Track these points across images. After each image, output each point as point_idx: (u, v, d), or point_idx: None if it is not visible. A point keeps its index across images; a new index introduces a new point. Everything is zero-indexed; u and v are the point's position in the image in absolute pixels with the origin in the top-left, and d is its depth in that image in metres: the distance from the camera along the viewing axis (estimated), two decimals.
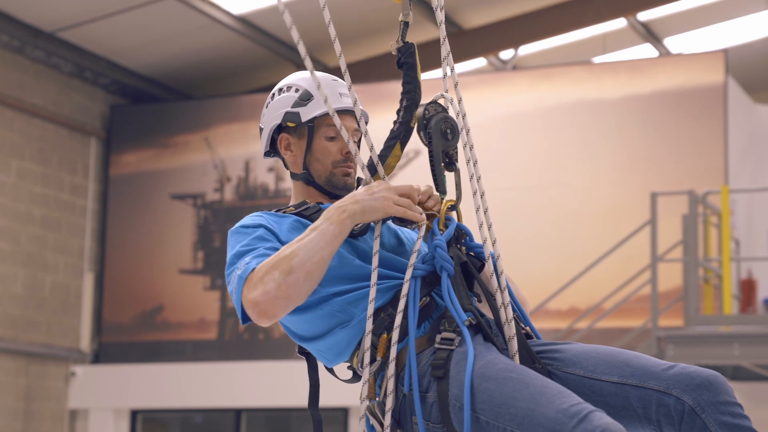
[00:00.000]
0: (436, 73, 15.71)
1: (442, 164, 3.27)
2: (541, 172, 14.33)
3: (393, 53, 3.37)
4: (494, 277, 3.19)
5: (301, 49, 3.33)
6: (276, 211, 3.37)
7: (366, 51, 15.85)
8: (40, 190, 15.10)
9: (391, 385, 3.04)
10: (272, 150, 3.50)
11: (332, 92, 3.42)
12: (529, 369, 2.95)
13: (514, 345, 3.08)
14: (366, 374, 3.10)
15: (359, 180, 3.45)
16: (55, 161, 15.37)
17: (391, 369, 3.05)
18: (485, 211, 3.26)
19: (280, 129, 3.45)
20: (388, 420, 3.03)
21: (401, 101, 3.36)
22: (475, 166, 3.29)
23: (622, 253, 11.92)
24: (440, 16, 3.33)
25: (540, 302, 11.96)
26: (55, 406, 15.32)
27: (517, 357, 3.06)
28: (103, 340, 15.77)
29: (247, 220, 3.29)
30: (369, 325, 3.10)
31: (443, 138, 3.26)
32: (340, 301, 3.17)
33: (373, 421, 3.07)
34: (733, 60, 14.56)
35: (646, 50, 16.21)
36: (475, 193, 3.25)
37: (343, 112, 3.43)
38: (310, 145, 3.41)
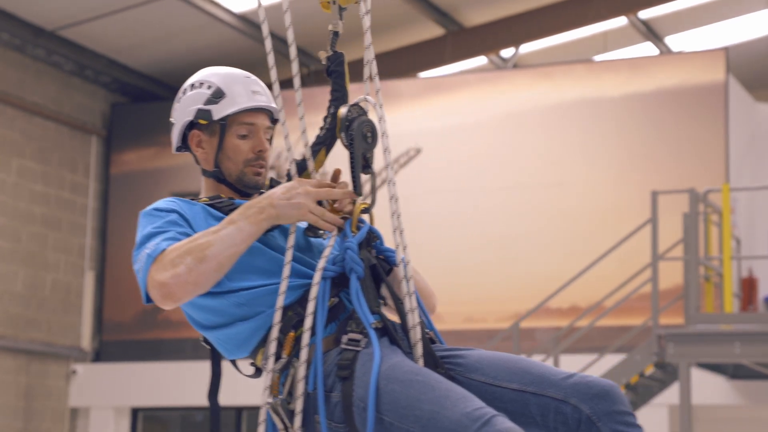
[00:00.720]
0: (431, 73, 15.66)
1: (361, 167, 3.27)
2: (542, 170, 14.32)
3: (322, 62, 3.38)
4: (404, 282, 3.21)
5: (292, 51, 3.35)
6: (189, 199, 3.37)
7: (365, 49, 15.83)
8: (40, 188, 15.10)
9: (300, 387, 3.07)
10: (183, 146, 3.48)
11: (245, 90, 3.42)
12: (434, 373, 2.99)
13: (419, 349, 3.12)
14: (270, 366, 3.11)
15: (272, 180, 3.46)
16: (55, 160, 15.37)
17: (302, 372, 3.08)
18: (398, 217, 3.30)
19: (191, 125, 3.43)
20: (298, 423, 3.06)
21: (329, 108, 3.38)
22: (391, 170, 3.32)
23: (622, 251, 11.92)
24: (367, 21, 3.34)
25: (540, 301, 11.96)
26: (55, 404, 15.32)
27: (421, 361, 3.10)
28: (104, 338, 15.77)
29: (161, 203, 3.30)
30: (277, 317, 3.13)
31: (364, 141, 3.28)
32: (247, 294, 3.18)
33: (275, 418, 3.09)
34: (734, 58, 14.56)
35: (647, 48, 16.21)
36: (391, 198, 3.27)
37: (256, 111, 3.43)
38: (221, 143, 3.39)
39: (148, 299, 3.14)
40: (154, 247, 3.13)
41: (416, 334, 3.14)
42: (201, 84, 3.45)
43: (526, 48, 16.07)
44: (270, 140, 3.48)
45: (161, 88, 16.16)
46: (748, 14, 15.57)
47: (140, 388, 15.25)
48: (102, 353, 15.76)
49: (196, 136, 3.43)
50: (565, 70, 14.64)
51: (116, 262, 15.70)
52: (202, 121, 3.39)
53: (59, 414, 15.35)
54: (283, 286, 3.14)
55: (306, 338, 3.07)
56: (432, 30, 15.60)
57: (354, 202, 3.26)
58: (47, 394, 15.19)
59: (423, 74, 15.98)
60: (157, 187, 15.70)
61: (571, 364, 11.86)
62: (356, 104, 3.31)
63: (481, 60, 16.23)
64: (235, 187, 3.41)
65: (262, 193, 3.42)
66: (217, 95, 3.39)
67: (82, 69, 15.47)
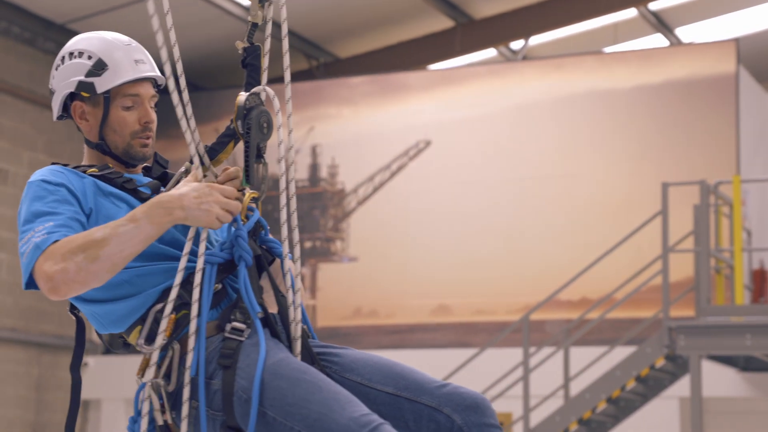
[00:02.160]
0: (441, 65, 15.67)
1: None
2: (552, 162, 14.30)
3: (239, 52, 3.35)
4: (288, 277, 3.19)
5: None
6: (74, 168, 3.28)
7: (375, 42, 15.83)
8: None
9: (187, 376, 3.03)
10: (65, 114, 3.39)
11: (128, 59, 3.33)
12: (321, 373, 2.99)
13: (299, 345, 3.13)
14: (158, 343, 3.07)
15: (157, 155, 3.40)
16: (66, 152, 15.39)
17: (189, 359, 3.03)
18: (291, 213, 3.22)
19: (72, 96, 3.34)
20: (185, 412, 3.03)
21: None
22: (284, 164, 3.23)
23: (633, 243, 11.90)
24: (284, 13, 3.31)
25: (551, 293, 11.95)
26: (67, 395, 15.35)
27: (299, 357, 3.11)
28: None
29: (49, 175, 3.18)
30: (174, 293, 3.06)
31: (260, 131, 3.21)
32: (131, 272, 3.11)
33: (153, 397, 3.06)
34: (745, 49, 14.52)
35: (658, 40, 16.17)
36: (283, 191, 3.21)
37: (141, 81, 3.34)
38: (106, 116, 3.30)
39: (28, 285, 3.05)
40: (45, 236, 3.01)
41: (297, 330, 3.13)
42: (81, 53, 3.33)
43: (536, 40, 16.05)
44: (155, 109, 3.39)
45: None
46: (758, 5, 15.53)
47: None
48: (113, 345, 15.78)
49: (79, 107, 3.34)
50: (576, 62, 14.61)
51: None
52: (84, 94, 3.30)
53: None
54: (183, 262, 3.08)
55: (193, 326, 3.03)
56: (442, 22, 15.58)
57: (244, 192, 3.19)
58: (58, 386, 15.23)
59: (433, 66, 15.96)
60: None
61: (581, 356, 11.86)
62: (255, 94, 3.24)
63: (490, 52, 16.21)
64: (121, 159, 3.32)
65: (149, 167, 3.37)
66: (99, 67, 3.29)
67: None
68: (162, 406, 3.06)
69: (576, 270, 12.02)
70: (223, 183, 3.17)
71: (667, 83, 14.03)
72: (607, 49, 15.98)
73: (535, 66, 15.09)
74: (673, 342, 10.44)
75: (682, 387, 11.76)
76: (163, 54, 3.14)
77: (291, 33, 15.10)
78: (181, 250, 3.14)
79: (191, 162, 3.24)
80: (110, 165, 3.31)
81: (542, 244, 14.18)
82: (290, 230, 3.20)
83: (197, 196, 3.06)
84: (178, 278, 3.07)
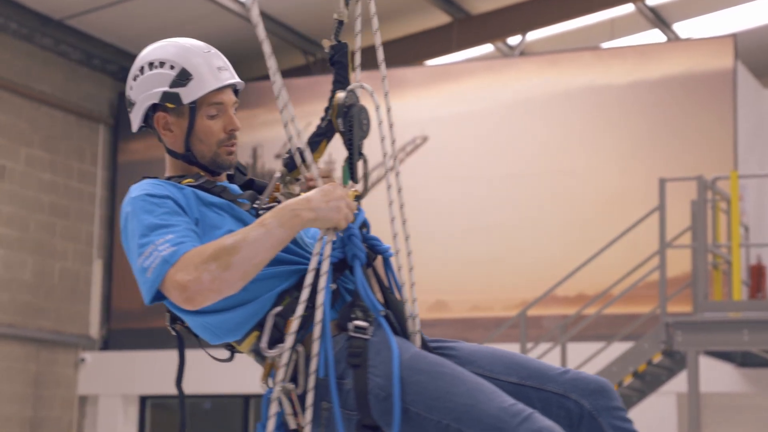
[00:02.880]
0: (438, 60, 15.64)
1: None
2: (549, 158, 14.30)
3: (326, 51, 3.28)
4: (401, 272, 3.25)
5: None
6: (168, 180, 3.26)
7: (371, 37, 15.81)
8: (48, 177, 15.12)
9: (312, 379, 3.01)
10: (144, 125, 3.36)
11: (210, 67, 3.29)
12: (457, 365, 2.98)
13: (417, 340, 3.14)
14: (288, 344, 3.04)
15: (239, 164, 3.39)
16: (63, 148, 15.38)
17: (314, 363, 3.01)
18: (401, 207, 3.28)
19: (155, 107, 3.29)
20: (308, 417, 3.01)
21: (331, 99, 3.27)
22: (394, 159, 3.26)
23: (630, 239, 11.90)
24: (373, 7, 3.29)
25: (548, 289, 11.96)
26: (64, 392, 15.35)
27: None
28: (112, 326, 15.79)
29: (150, 188, 3.15)
30: (304, 294, 3.04)
31: (360, 128, 3.20)
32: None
33: (285, 402, 3.03)
34: (742, 45, 14.51)
35: (655, 35, 16.17)
36: (390, 187, 3.25)
37: (223, 88, 3.32)
38: (192, 126, 3.27)
39: (153, 299, 3.03)
40: (171, 249, 2.99)
41: (415, 325, 3.15)
42: (162, 63, 3.30)
43: (533, 35, 16.04)
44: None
45: None
46: (756, 0, 15.53)
47: (148, 376, 15.28)
48: (110, 341, 15.78)
49: (162, 119, 3.30)
50: (573, 58, 14.61)
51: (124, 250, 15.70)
52: (169, 105, 3.26)
53: (68, 402, 15.39)
54: (313, 262, 3.06)
55: (317, 331, 3.00)
56: (439, 18, 15.58)
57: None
58: (56, 382, 15.23)
59: (430, 62, 15.95)
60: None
61: (578, 352, 11.86)
62: (352, 90, 3.23)
63: (487, 48, 16.20)
64: (208, 168, 3.31)
65: (231, 174, 3.36)
66: (184, 77, 3.25)
67: (89, 58, 15.47)
68: (293, 409, 3.03)
69: (573, 265, 12.02)
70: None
71: (664, 79, 14.02)
72: (604, 45, 15.97)
73: (532, 62, 15.09)
74: (671, 338, 10.44)
75: (679, 383, 11.77)
76: (266, 48, 3.17)
77: (287, 28, 15.09)
78: (291, 252, 3.14)
79: (284, 165, 3.26)
80: (200, 174, 3.30)
81: (539, 240, 14.18)
82: (403, 225, 3.23)
83: (323, 195, 3.06)
84: (309, 278, 3.05)
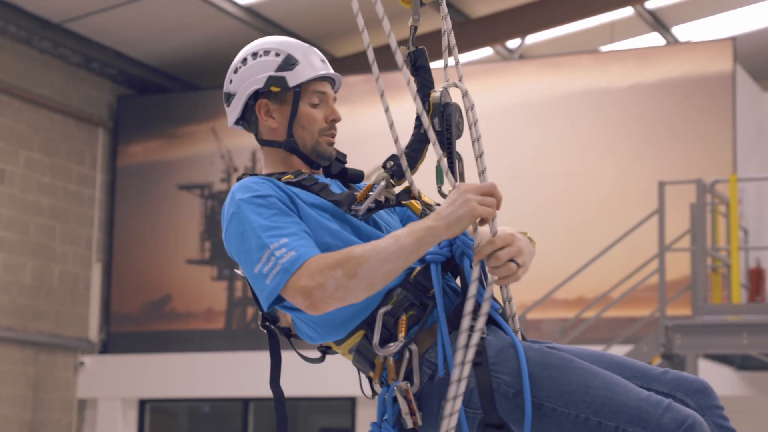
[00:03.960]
0: (437, 64, 15.67)
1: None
2: (549, 161, 14.30)
3: (405, 58, 3.35)
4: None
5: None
6: (266, 175, 3.24)
7: (373, 40, 15.82)
8: (48, 180, 15.12)
9: (463, 386, 2.97)
10: (241, 119, 3.34)
11: (315, 57, 3.35)
12: (583, 360, 3.00)
13: (519, 337, 3.15)
14: (398, 341, 3.03)
15: (338, 152, 3.38)
16: (62, 152, 15.38)
17: (459, 357, 2.97)
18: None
19: (256, 95, 3.29)
20: (416, 421, 3.01)
21: (423, 104, 3.26)
22: (481, 159, 3.24)
23: (629, 242, 11.91)
24: (444, 9, 3.31)
25: (547, 292, 11.95)
26: (63, 395, 15.35)
27: None
28: (111, 329, 15.79)
29: (255, 185, 3.12)
30: (437, 291, 3.04)
31: (457, 127, 3.22)
32: None
33: (402, 402, 3.01)
34: (742, 48, 14.53)
35: (654, 39, 16.17)
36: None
37: (325, 80, 3.35)
38: (295, 112, 3.28)
39: (271, 306, 3.01)
40: (291, 255, 2.95)
41: (515, 324, 3.17)
42: (267, 52, 3.30)
43: (533, 39, 16.05)
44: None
45: (168, 80, 16.16)
46: (755, 4, 15.53)
47: (148, 380, 15.28)
48: (109, 344, 15.78)
49: (264, 105, 3.28)
50: (572, 61, 14.61)
51: (123, 253, 15.72)
52: (274, 89, 3.25)
53: (67, 405, 15.38)
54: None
55: (476, 335, 2.97)
56: (437, 21, 15.58)
57: (441, 189, 3.19)
58: (55, 386, 15.22)
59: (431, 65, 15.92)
60: (163, 178, 15.71)
61: None
62: (446, 89, 3.23)
63: (487, 51, 16.20)
64: (308, 158, 3.29)
65: (329, 166, 3.33)
66: (290, 62, 3.28)
67: (88, 61, 15.48)
68: (410, 408, 3.00)
69: (572, 269, 12.02)
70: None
71: (663, 82, 14.03)
72: (604, 48, 15.98)
73: (531, 65, 15.09)
74: (670, 341, 10.44)
75: None
76: (392, 42, 3.24)
77: (287, 32, 15.10)
78: None
79: (384, 167, 3.30)
80: (298, 168, 3.28)
81: (538, 243, 14.07)
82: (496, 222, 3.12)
83: (449, 202, 3.02)
84: (432, 274, 3.06)
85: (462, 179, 3.18)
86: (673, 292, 11.46)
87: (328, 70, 3.34)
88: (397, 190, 3.33)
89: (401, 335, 3.03)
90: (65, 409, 15.35)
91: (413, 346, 3.04)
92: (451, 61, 3.35)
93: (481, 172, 3.21)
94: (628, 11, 15.34)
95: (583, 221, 14.00)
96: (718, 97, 13.66)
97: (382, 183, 3.26)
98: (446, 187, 3.17)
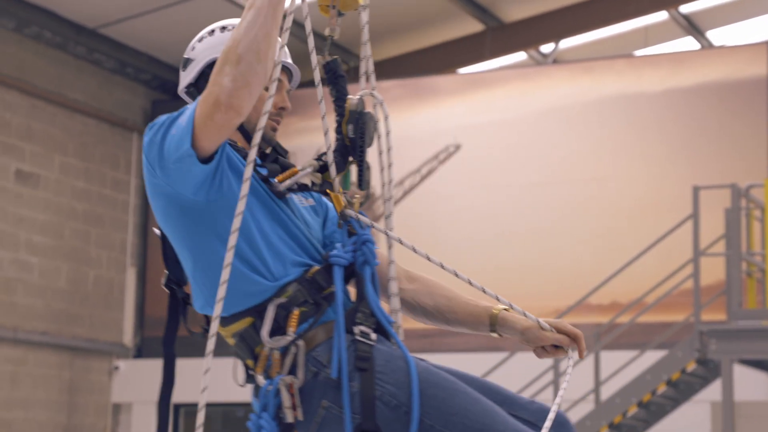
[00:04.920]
0: (471, 68, 15.52)
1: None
2: (583, 165, 14.27)
3: (317, 69, 3.32)
4: (391, 282, 3.21)
5: (307, 25, 3.36)
6: None
7: (404, 45, 15.84)
8: (82, 185, 15.20)
9: (300, 374, 3.01)
10: (193, 87, 3.32)
11: (279, 45, 3.30)
12: (465, 384, 3.04)
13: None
14: (289, 335, 3.03)
15: (277, 145, 3.32)
16: (97, 156, 15.46)
17: (325, 358, 3.01)
18: (390, 216, 3.25)
19: (213, 63, 3.23)
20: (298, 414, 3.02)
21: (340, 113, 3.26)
22: (389, 169, 3.23)
23: (663, 247, 11.86)
24: (366, 32, 3.33)
25: (581, 297, 11.92)
26: (98, 399, 15.43)
27: None
28: (146, 334, 15.86)
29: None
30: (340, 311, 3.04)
31: (370, 136, 3.18)
32: (271, 244, 3.08)
33: (284, 395, 3.01)
34: None
35: (688, 43, 16.11)
36: (389, 199, 3.23)
37: (284, 69, 3.36)
38: None
39: (192, 142, 2.96)
40: (187, 114, 2.98)
41: (401, 335, 3.17)
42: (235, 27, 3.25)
43: (566, 43, 16.02)
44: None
45: None
46: None
47: (182, 384, 15.23)
48: (144, 349, 15.85)
49: None
50: (606, 65, 14.57)
51: (158, 258, 15.77)
52: None
53: (102, 409, 15.46)
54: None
55: (323, 330, 3.03)
56: (472, 26, 15.57)
57: (346, 195, 3.18)
58: (90, 390, 15.30)
59: (462, 70, 15.95)
60: None
61: (612, 360, 11.82)
62: (362, 98, 3.22)
63: (520, 55, 16.19)
64: (249, 135, 3.22)
65: (269, 153, 3.29)
66: None
67: (123, 66, 15.56)
68: (292, 402, 3.02)
69: (606, 273, 11.98)
70: None
71: (698, 86, 13.97)
72: (638, 53, 15.93)
73: (565, 69, 15.07)
74: (705, 346, 10.39)
75: (713, 391, 11.70)
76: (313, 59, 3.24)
77: (321, 37, 15.12)
78: (301, 248, 3.11)
79: (316, 160, 3.22)
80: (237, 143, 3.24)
81: (572, 248, 14.15)
82: (391, 232, 3.19)
83: None
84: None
85: (368, 187, 3.18)
86: (707, 297, 11.40)
87: (289, 59, 3.36)
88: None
89: (291, 330, 3.03)
90: (100, 413, 15.43)
91: (300, 342, 3.03)
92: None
93: (387, 183, 3.22)
94: (662, 15, 15.30)
95: (617, 226, 13.96)
96: (753, 101, 13.60)
97: (309, 168, 3.20)
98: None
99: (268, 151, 3.30)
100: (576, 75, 14.70)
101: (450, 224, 14.76)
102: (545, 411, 3.12)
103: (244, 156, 3.13)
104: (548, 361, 12.04)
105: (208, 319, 3.23)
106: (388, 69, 15.80)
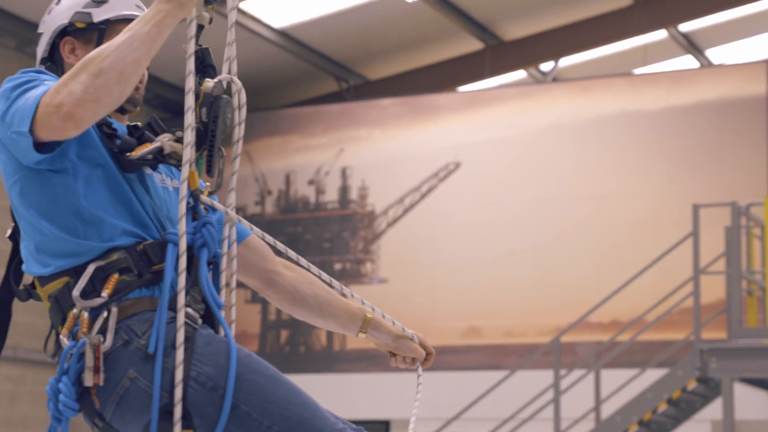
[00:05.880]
0: (471, 86, 15.57)
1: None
2: (582, 183, 14.28)
3: (187, 55, 3.16)
4: (224, 274, 3.08)
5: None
6: None
7: (404, 64, 15.86)
8: None
9: (181, 356, 2.88)
10: (49, 58, 3.17)
11: (129, 0, 3.19)
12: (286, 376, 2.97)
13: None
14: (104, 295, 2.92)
15: (154, 121, 3.19)
16: None
17: (142, 330, 2.90)
18: (233, 208, 3.08)
19: (64, 33, 3.13)
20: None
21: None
22: (237, 160, 3.10)
23: (664, 265, 11.86)
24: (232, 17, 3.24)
25: (581, 315, 11.91)
26: None
27: None
28: None
29: (25, 76, 2.95)
30: (182, 282, 2.93)
31: (224, 122, 3.03)
32: (93, 214, 2.96)
33: (89, 354, 2.89)
34: None
35: (688, 61, 16.14)
36: (231, 190, 3.09)
37: (135, 15, 3.17)
38: None
39: (41, 147, 2.83)
40: (41, 91, 2.80)
41: (232, 329, 3.07)
42: None
43: (566, 61, 16.05)
44: None
45: None
46: None
47: None
48: None
49: (69, 43, 3.13)
50: (605, 84, 14.60)
51: None
52: (79, 25, 3.12)
53: None
54: (182, 226, 2.95)
55: (181, 300, 2.89)
56: (471, 44, 15.60)
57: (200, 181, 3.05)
58: None
59: (462, 88, 15.97)
60: None
61: (612, 378, 11.80)
62: (220, 82, 3.09)
63: (520, 74, 16.22)
64: None
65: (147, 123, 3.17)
66: (99, 0, 3.14)
67: None
68: (96, 365, 2.89)
69: (606, 291, 11.98)
70: None
71: (697, 105, 13.99)
72: (637, 71, 15.96)
73: (564, 87, 15.09)
74: (705, 364, 10.38)
75: (714, 410, 11.69)
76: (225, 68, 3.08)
77: (321, 55, 15.15)
78: (138, 220, 3.00)
79: (173, 133, 3.09)
80: None
81: (572, 266, 14.14)
82: (229, 227, 3.06)
83: None
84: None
85: (221, 175, 3.05)
86: (708, 316, 11.40)
87: (139, 12, 3.17)
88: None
89: (106, 292, 2.92)
90: None
91: (114, 308, 2.91)
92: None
93: (233, 174, 3.09)
94: (661, 34, 15.33)
95: (617, 243, 13.96)
96: (752, 119, 13.62)
97: (166, 138, 3.06)
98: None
99: (135, 113, 3.18)
100: (575, 93, 14.72)
101: (450, 242, 14.75)
102: None
103: (101, 125, 3.02)
104: (549, 380, 12.02)
105: (32, 283, 3.08)
106: (388, 87, 15.82)
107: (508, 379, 11.81)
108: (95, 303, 2.93)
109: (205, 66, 3.15)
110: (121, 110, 3.16)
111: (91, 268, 2.94)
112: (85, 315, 2.94)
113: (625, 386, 11.39)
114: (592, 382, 11.51)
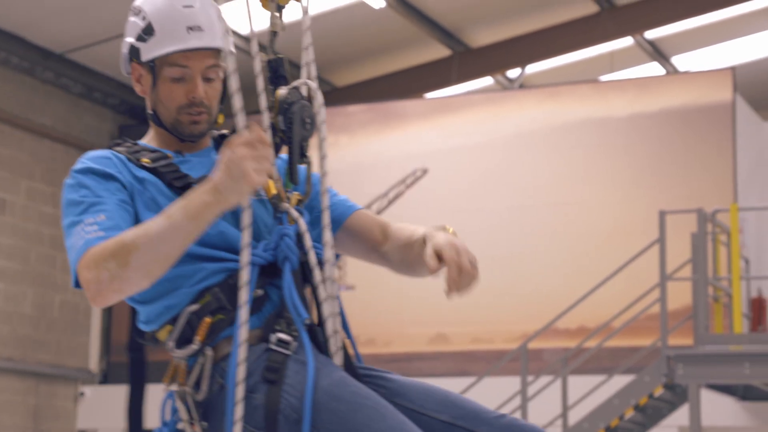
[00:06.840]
0: (438, 93, 15.65)
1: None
2: (549, 190, 14.31)
3: (263, 65, 3.12)
4: (325, 284, 2.96)
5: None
6: (131, 147, 3.06)
7: (372, 70, 15.86)
8: (49, 210, 15.12)
9: (241, 391, 2.76)
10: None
11: (181, 26, 2.96)
12: (382, 399, 2.79)
13: (339, 360, 2.91)
14: (191, 347, 2.86)
15: (222, 136, 3.10)
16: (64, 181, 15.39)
17: (241, 373, 2.76)
18: (327, 209, 3.01)
19: (131, 57, 3.06)
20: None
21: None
22: (324, 161, 3.02)
23: (630, 271, 11.89)
24: (307, 21, 3.18)
25: (548, 321, 11.93)
26: (64, 426, 15.30)
27: None
28: (112, 360, 15.75)
29: (93, 163, 2.98)
30: (244, 315, 2.78)
31: (302, 127, 2.95)
32: (171, 271, 2.84)
33: (180, 407, 2.85)
34: (741, 78, 14.55)
35: (654, 68, 16.21)
36: (325, 193, 3.02)
37: (192, 50, 2.98)
38: (155, 86, 3.00)
39: (77, 284, 2.83)
40: (88, 236, 2.77)
41: (336, 342, 2.91)
42: (138, 12, 3.02)
43: (533, 68, 16.09)
44: (221, 79, 3.09)
45: None
46: (755, 34, 15.58)
47: (149, 410, 15.21)
48: (110, 375, 15.74)
49: (136, 70, 3.06)
50: (572, 91, 14.64)
51: None
52: (133, 61, 3.03)
53: None
54: (245, 256, 2.80)
55: (243, 334, 2.76)
56: (438, 51, 15.62)
57: (283, 191, 2.98)
58: (55, 416, 15.18)
59: (429, 95, 15.99)
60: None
61: (579, 385, 11.83)
62: (295, 88, 3.00)
63: (487, 80, 16.24)
64: (174, 134, 3.04)
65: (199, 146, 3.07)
66: (147, 32, 2.98)
67: (90, 91, 15.51)
68: (190, 417, 2.83)
69: (574, 298, 12.01)
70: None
71: (663, 111, 14.05)
72: (604, 78, 16.02)
73: (531, 94, 15.12)
74: (672, 371, 10.41)
75: (681, 416, 11.73)
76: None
77: (289, 63, 15.12)
78: (229, 249, 2.88)
79: None
80: (163, 145, 3.06)
81: (540, 272, 14.17)
82: (328, 230, 2.96)
83: (226, 166, 2.70)
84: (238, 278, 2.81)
85: (309, 184, 3.03)
86: (674, 322, 11.44)
87: (190, 43, 2.98)
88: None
89: (198, 338, 2.83)
90: None
91: (209, 352, 2.84)
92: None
93: (324, 175, 3.04)
94: (627, 41, 15.39)
95: (584, 250, 14.00)
96: (718, 126, 13.68)
97: None
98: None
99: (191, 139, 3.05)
100: (542, 100, 14.76)
101: None
102: (513, 427, 2.86)
103: (169, 174, 2.95)
104: (516, 386, 12.03)
105: (149, 335, 3.04)
106: (355, 93, 15.82)
107: (476, 385, 11.82)
108: (189, 352, 2.86)
109: (278, 77, 3.07)
110: (183, 140, 3.04)
111: (184, 316, 2.87)
112: (182, 364, 2.88)
113: (592, 392, 11.41)
114: (560, 388, 11.53)
